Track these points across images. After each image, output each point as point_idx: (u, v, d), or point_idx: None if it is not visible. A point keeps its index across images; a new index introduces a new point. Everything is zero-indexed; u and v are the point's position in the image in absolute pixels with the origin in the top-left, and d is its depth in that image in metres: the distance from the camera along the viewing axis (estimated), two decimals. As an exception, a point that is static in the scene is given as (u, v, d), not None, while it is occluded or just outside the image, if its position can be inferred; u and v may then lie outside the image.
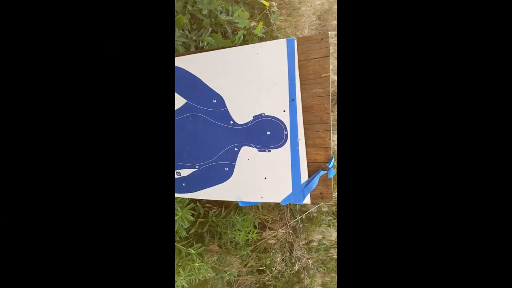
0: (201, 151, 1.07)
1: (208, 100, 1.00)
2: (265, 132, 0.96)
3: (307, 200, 0.97)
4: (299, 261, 1.75)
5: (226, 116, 0.99)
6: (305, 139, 0.91)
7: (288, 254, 1.85)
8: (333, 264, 2.08)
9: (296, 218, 1.84)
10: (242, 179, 1.04)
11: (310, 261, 1.90)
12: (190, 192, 1.15)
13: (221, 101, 0.98)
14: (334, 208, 2.08)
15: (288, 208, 1.83)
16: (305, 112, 0.89)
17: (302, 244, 1.87)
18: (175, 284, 1.20)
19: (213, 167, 1.07)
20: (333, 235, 2.08)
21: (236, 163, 1.03)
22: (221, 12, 1.36)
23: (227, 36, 1.51)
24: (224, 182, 1.07)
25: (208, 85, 0.98)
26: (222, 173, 1.06)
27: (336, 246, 2.15)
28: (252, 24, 1.53)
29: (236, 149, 1.01)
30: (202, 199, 1.53)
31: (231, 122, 0.99)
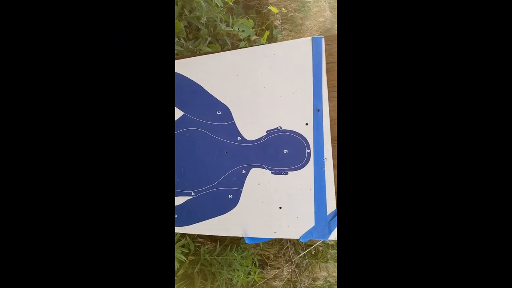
0: (199, 174, 0.87)
1: (211, 111, 0.82)
2: (282, 150, 0.78)
3: (334, 235, 0.78)
4: (305, 305, 1.50)
5: (233, 130, 0.81)
6: (333, 158, 0.74)
7: (291, 296, 1.59)
8: (339, 306, 1.83)
9: (301, 253, 1.62)
10: (250, 209, 0.83)
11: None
12: (183, 226, 0.93)
13: (227, 112, 0.80)
14: (339, 240, 1.87)
15: (292, 242, 1.61)
16: (333, 126, 0.73)
17: (308, 284, 1.62)
18: None
19: (213, 194, 0.87)
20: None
21: (244, 189, 0.83)
22: (221, 20, 1.23)
23: (226, 49, 1.38)
24: (227, 213, 0.86)
25: (211, 94, 0.81)
26: (225, 201, 0.85)
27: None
28: (254, 38, 1.41)
29: (243, 172, 0.82)
30: (194, 234, 1.29)
31: (239, 139, 0.81)
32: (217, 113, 0.81)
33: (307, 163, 0.77)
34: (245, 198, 0.83)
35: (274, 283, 1.45)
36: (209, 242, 1.36)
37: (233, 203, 0.85)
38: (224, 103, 0.80)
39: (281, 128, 0.77)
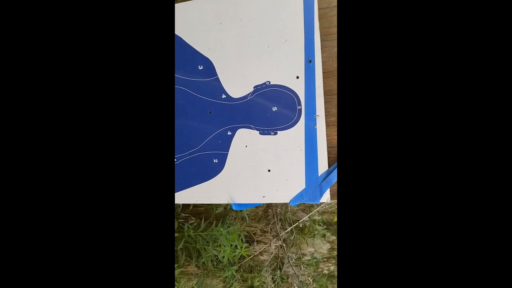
0: (180, 138, 0.80)
1: (192, 66, 0.74)
2: (271, 108, 0.72)
3: (326, 198, 0.74)
4: (291, 280, 1.49)
5: (217, 87, 0.73)
6: (326, 115, 0.69)
7: (278, 271, 1.58)
8: (325, 281, 1.85)
9: (287, 229, 1.60)
10: (237, 174, 0.78)
11: (302, 278, 1.64)
12: (164, 196, 0.86)
13: (209, 66, 0.73)
14: (325, 217, 1.88)
15: (278, 217, 1.58)
16: (326, 79, 0.67)
17: (295, 259, 1.62)
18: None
19: (197, 160, 0.80)
20: (323, 247, 1.86)
21: (229, 153, 0.77)
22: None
23: None
24: (212, 179, 0.80)
25: (192, 46, 0.73)
26: (210, 166, 0.79)
27: (326, 260, 1.94)
28: None
29: (229, 133, 0.76)
30: (178, 205, 1.23)
31: (223, 96, 0.74)
32: (198, 68, 0.73)
33: (298, 121, 0.71)
34: (231, 162, 0.78)
35: (261, 258, 1.42)
36: (193, 218, 1.30)
37: (219, 168, 0.79)
38: (206, 56, 0.72)
39: (269, 83, 0.71)
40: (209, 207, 1.42)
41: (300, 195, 0.75)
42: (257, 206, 1.23)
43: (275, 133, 0.74)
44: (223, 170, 0.79)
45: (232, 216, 1.46)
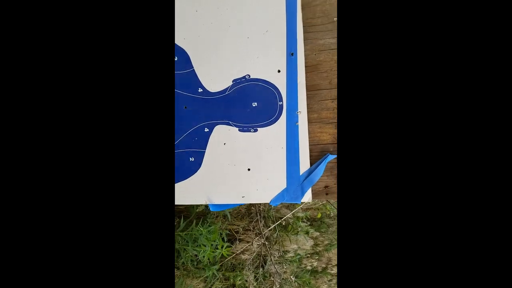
0: (154, 134, 0.74)
1: (166, 56, 0.68)
2: (250, 104, 0.68)
3: (307, 197, 0.71)
4: (274, 278, 1.48)
5: (193, 80, 0.68)
6: (308, 111, 0.66)
7: (261, 269, 1.56)
8: (308, 277, 1.86)
9: (271, 226, 1.57)
10: (215, 173, 0.73)
11: (285, 276, 1.63)
12: (138, 196, 0.80)
13: (184, 58, 0.67)
14: (309, 213, 1.87)
15: (261, 215, 1.56)
16: (309, 73, 0.64)
17: (278, 257, 1.60)
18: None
19: (172, 158, 0.75)
20: (306, 243, 1.86)
21: (207, 150, 0.72)
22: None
23: None
24: (188, 179, 0.75)
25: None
26: (186, 165, 0.74)
27: (309, 256, 1.94)
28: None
29: (206, 130, 0.71)
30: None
31: (200, 90, 0.69)
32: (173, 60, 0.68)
33: (279, 118, 0.68)
34: (209, 160, 0.73)
35: (243, 257, 1.39)
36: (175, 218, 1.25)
37: (195, 166, 0.74)
38: (181, 47, 0.67)
39: (249, 76, 0.67)
40: (189, 206, 1.37)
41: (281, 194, 0.72)
42: (237, 206, 1.19)
43: (255, 130, 0.70)
44: (200, 169, 0.74)
45: (214, 215, 1.42)
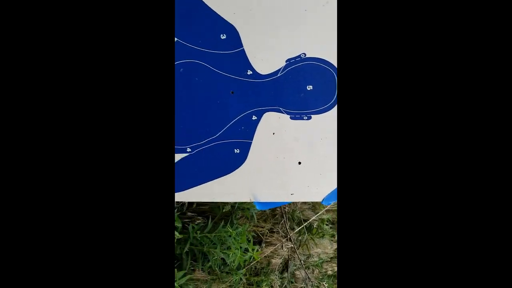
0: (196, 123, 0.68)
1: (213, 35, 0.62)
2: (305, 87, 0.61)
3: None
4: (303, 283, 1.40)
5: (242, 61, 0.62)
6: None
7: (287, 274, 1.47)
8: (330, 282, 1.77)
9: (296, 229, 1.50)
10: (261, 167, 0.66)
11: (313, 281, 1.55)
12: (178, 191, 0.74)
13: (234, 35, 0.61)
14: (332, 216, 1.79)
15: (287, 217, 1.48)
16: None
17: (303, 261, 1.52)
18: None
19: (215, 150, 0.68)
20: (329, 247, 1.77)
21: (254, 141, 0.66)
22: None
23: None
24: (232, 173, 0.69)
25: (214, 10, 0.61)
26: (230, 157, 0.68)
27: (330, 260, 1.86)
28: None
29: (254, 118, 0.64)
30: (184, 203, 1.10)
31: (249, 73, 0.62)
32: (220, 37, 0.61)
33: (336, 104, 0.61)
34: (256, 152, 0.66)
35: (273, 261, 1.31)
36: (199, 218, 1.18)
37: (240, 159, 0.67)
38: (231, 23, 0.60)
39: (305, 55, 0.60)
40: (214, 206, 1.30)
41: (334, 192, 0.65)
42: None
43: (309, 118, 0.63)
44: (245, 162, 0.67)
45: (238, 215, 1.34)
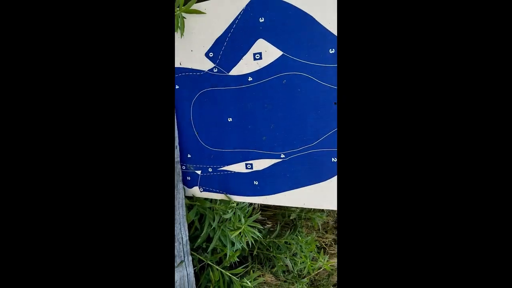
0: (294, 131, 0.71)
1: (321, 49, 0.64)
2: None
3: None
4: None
5: (349, 74, 0.63)
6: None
7: None
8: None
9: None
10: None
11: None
12: (265, 195, 0.77)
13: (344, 49, 0.63)
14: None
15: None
16: None
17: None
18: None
19: (311, 157, 0.70)
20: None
21: (353, 151, 0.66)
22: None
23: None
24: (327, 181, 0.70)
25: (325, 26, 0.63)
26: (326, 165, 0.69)
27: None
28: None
29: (357, 128, 0.65)
30: (255, 207, 1.14)
31: (356, 85, 0.63)
32: (329, 52, 0.64)
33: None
34: (354, 162, 0.66)
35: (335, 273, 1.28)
36: (269, 222, 1.21)
37: (336, 168, 0.68)
38: (334, 33, 0.62)
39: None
40: (278, 212, 1.32)
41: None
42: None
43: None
44: (342, 171, 0.68)
45: (302, 224, 1.35)
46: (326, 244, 1.38)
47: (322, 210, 1.32)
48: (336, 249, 1.36)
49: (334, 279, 1.41)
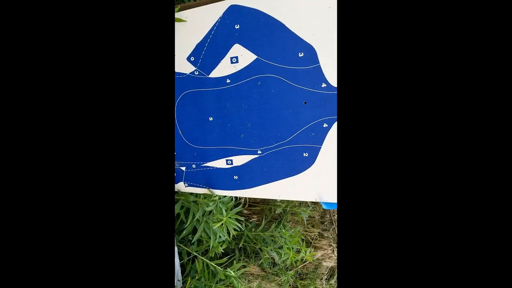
0: (269, 129, 0.76)
1: (291, 53, 0.70)
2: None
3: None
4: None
5: (317, 76, 0.69)
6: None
7: (332, 280, 1.49)
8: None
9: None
10: (328, 170, 0.72)
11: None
12: (244, 188, 0.83)
13: (311, 53, 0.69)
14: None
15: (336, 225, 1.50)
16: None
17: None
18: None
19: (285, 153, 0.76)
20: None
21: (323, 146, 0.72)
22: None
23: None
24: (300, 174, 0.76)
25: (294, 32, 0.69)
26: (298, 160, 0.75)
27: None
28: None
29: (325, 125, 0.71)
30: (241, 201, 1.20)
31: (323, 85, 0.69)
32: (298, 55, 0.70)
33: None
34: (324, 156, 0.72)
35: (324, 264, 1.35)
36: (254, 216, 1.27)
37: (308, 162, 0.74)
38: (309, 43, 0.68)
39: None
40: (265, 207, 1.38)
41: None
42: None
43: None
44: (313, 165, 0.74)
45: (287, 219, 1.40)
46: (311, 238, 1.43)
47: (307, 205, 1.38)
48: (320, 243, 1.42)
49: (321, 271, 1.47)
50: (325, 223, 1.47)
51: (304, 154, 0.74)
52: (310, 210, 1.34)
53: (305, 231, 1.45)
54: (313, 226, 1.49)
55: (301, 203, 1.35)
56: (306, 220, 1.45)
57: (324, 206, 0.75)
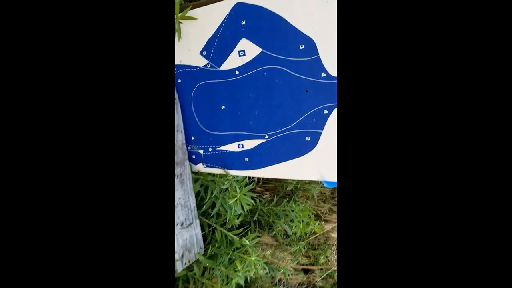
0: (274, 116, 0.84)
1: (293, 46, 0.76)
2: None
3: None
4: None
5: (317, 66, 0.75)
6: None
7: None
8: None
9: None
10: (329, 151, 0.80)
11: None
12: (254, 169, 0.93)
13: (311, 46, 0.74)
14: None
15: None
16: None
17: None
18: (232, 281, 0.98)
19: (289, 137, 0.84)
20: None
21: (324, 131, 0.79)
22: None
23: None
24: (303, 156, 0.84)
25: (295, 26, 0.75)
26: (302, 143, 0.83)
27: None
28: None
29: (326, 112, 0.78)
30: (254, 180, 1.31)
31: (323, 75, 0.75)
32: (299, 48, 0.75)
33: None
34: (325, 140, 0.80)
35: (332, 235, 1.46)
36: (267, 193, 1.38)
37: (311, 145, 0.82)
38: (309, 36, 0.74)
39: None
40: (278, 184, 1.49)
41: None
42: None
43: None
44: (315, 148, 0.82)
45: (300, 194, 1.51)
46: (322, 212, 1.54)
47: (317, 182, 1.47)
48: (330, 217, 1.52)
49: (332, 242, 1.59)
50: (336, 198, 1.56)
51: (307, 138, 0.82)
52: (321, 187, 1.43)
53: (317, 205, 1.55)
54: (324, 202, 1.59)
55: (311, 181, 1.45)
56: (318, 196, 1.54)
57: (325, 185, 0.84)
